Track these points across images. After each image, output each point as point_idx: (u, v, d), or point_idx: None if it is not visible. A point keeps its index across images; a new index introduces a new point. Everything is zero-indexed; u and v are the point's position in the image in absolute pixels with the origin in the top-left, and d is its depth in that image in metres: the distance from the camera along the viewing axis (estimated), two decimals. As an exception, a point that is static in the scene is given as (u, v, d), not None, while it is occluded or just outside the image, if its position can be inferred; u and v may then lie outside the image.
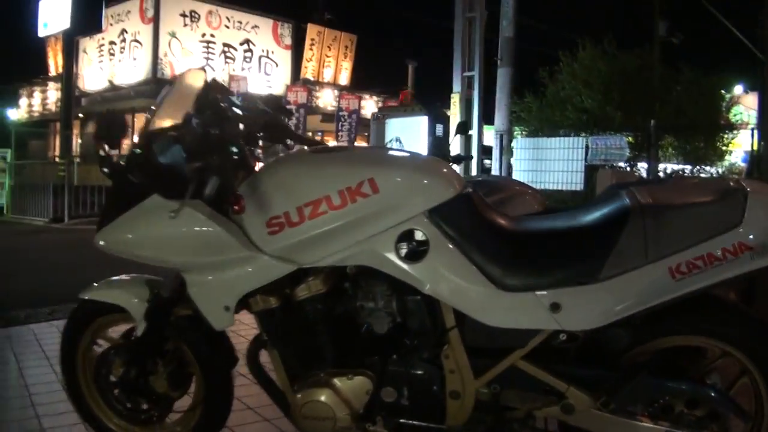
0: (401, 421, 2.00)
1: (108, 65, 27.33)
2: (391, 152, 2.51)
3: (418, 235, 1.92)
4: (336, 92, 25.79)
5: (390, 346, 2.02)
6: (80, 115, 28.96)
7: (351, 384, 1.98)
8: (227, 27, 25.76)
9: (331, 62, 27.67)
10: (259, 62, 26.66)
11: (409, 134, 12.53)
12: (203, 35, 25.31)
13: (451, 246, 1.91)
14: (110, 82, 27.15)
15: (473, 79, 12.26)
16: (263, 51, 26.73)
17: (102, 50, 27.63)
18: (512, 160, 11.79)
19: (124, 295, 2.34)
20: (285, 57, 27.24)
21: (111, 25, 26.58)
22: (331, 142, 23.26)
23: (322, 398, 1.96)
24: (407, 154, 2.29)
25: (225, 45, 25.77)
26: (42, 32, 18.68)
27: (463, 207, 1.97)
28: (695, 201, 1.81)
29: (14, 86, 32.29)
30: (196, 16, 25.06)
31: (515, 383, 1.93)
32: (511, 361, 1.90)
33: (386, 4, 39.71)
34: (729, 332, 1.86)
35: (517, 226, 2.04)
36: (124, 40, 26.25)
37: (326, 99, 26.37)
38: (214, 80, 2.26)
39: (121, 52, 26.50)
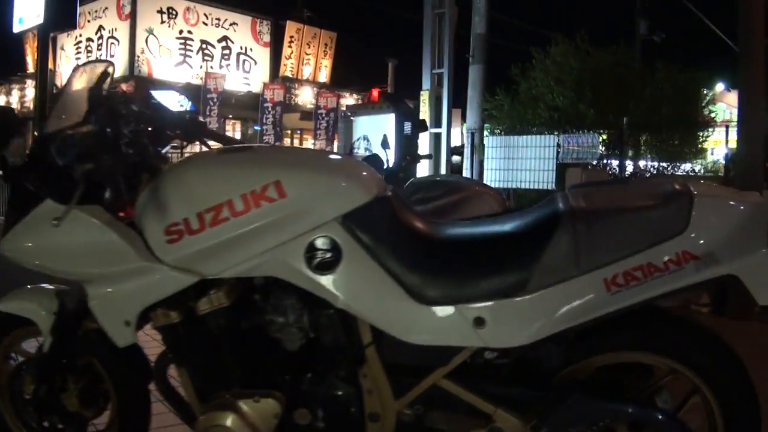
0: None
1: (85, 60, 26.96)
2: (303, 152, 2.30)
3: (331, 244, 1.78)
4: (315, 90, 25.59)
5: (302, 365, 1.88)
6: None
7: (257, 407, 1.81)
8: (205, 24, 25.59)
9: (311, 59, 27.48)
10: (237, 60, 26.48)
11: (377, 132, 12.34)
12: (180, 32, 25.14)
13: (365, 255, 1.77)
14: (87, 79, 26.85)
15: (443, 76, 12.08)
16: (241, 48, 26.56)
17: (79, 47, 27.41)
18: (484, 159, 11.62)
19: (32, 306, 2.18)
20: (264, 54, 27.06)
21: (88, 21, 26.43)
22: (309, 141, 23.09)
23: (227, 422, 1.79)
24: (321, 155, 2.22)
25: (203, 42, 25.59)
26: (17, 28, 18.46)
27: (380, 212, 1.82)
28: (635, 206, 1.66)
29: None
30: (174, 12, 24.89)
31: (439, 404, 1.79)
32: (433, 380, 1.77)
33: (367, 1, 39.29)
34: (673, 347, 1.72)
35: (441, 233, 1.90)
36: (101, 37, 26.06)
37: (305, 97, 26.19)
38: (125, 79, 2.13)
39: (99, 50, 26.28)
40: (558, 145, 10.58)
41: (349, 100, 26.04)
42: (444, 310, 1.72)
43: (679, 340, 1.73)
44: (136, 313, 1.89)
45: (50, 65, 29.45)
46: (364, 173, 1.93)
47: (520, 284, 1.67)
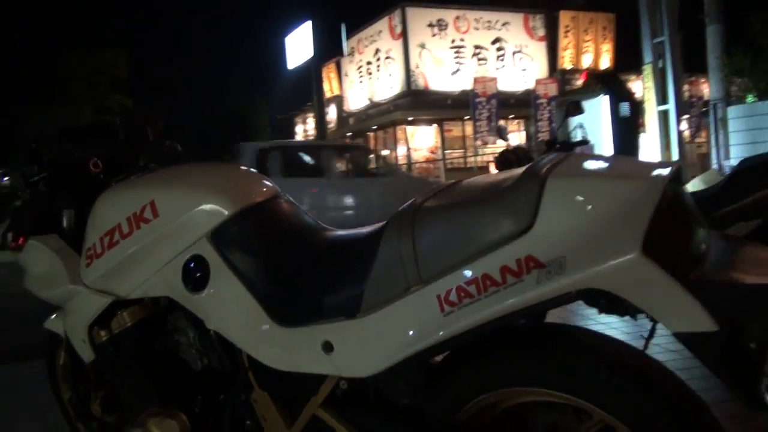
0: None
1: (367, 84, 28.62)
2: (189, 169, 2.07)
3: (201, 262, 1.73)
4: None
5: (204, 386, 1.84)
6: (349, 133, 30.67)
7: (163, 425, 1.78)
8: (476, 29, 25.66)
9: (590, 47, 26.07)
10: (512, 59, 26.09)
11: (592, 118, 10.82)
12: (452, 41, 25.45)
13: (230, 273, 1.68)
14: (369, 99, 28.25)
15: (664, 45, 10.26)
16: (516, 47, 26.18)
17: (361, 71, 29.00)
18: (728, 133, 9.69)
19: (59, 323, 2.28)
20: (539, 49, 26.41)
21: (366, 46, 27.90)
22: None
23: None
24: (207, 168, 2.04)
25: (476, 47, 25.67)
26: (291, 64, 19.99)
27: (246, 225, 1.74)
28: (476, 199, 1.28)
29: (289, 115, 35.10)
30: (444, 24, 25.29)
31: None
32: (310, 410, 1.58)
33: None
34: (572, 382, 1.25)
35: (308, 243, 1.73)
36: (378, 59, 27.33)
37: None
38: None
39: (377, 70, 27.58)
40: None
41: (637, 83, 24.25)
42: (298, 332, 1.54)
43: (578, 370, 1.25)
44: (84, 331, 1.97)
45: (338, 91, 31.85)
46: (234, 183, 1.89)
47: (358, 303, 1.40)
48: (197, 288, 1.71)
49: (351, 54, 29.50)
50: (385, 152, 27.70)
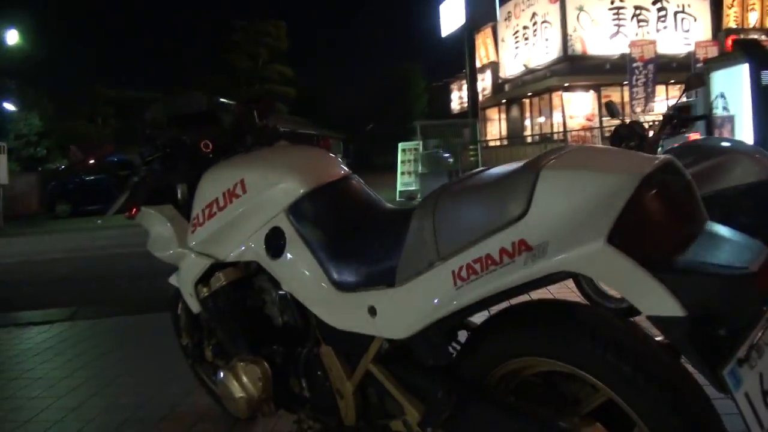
0: (303, 413, 2.05)
1: (523, 49, 28.37)
2: (277, 149, 2.35)
3: (279, 232, 1.97)
4: (764, 37, 22.85)
5: (282, 339, 2.08)
6: (503, 100, 30.65)
7: (248, 370, 2.04)
8: (636, -12, 24.68)
9: (756, 4, 24.62)
10: (674, 19, 25.05)
11: (733, 88, 10.12)
12: (612, 2, 24.78)
13: (301, 242, 1.90)
14: (525, 66, 28.11)
15: None
16: (678, 6, 25.09)
17: (517, 36, 28.80)
18: None
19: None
20: (703, 8, 25.17)
21: (522, 11, 27.69)
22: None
23: (226, 381, 2.05)
24: (290, 150, 2.29)
25: (636, 8, 24.85)
26: (444, 31, 20.22)
27: (316, 202, 1.96)
28: (486, 187, 1.42)
29: (445, 83, 35.40)
30: (604, -16, 24.50)
31: (378, 390, 1.79)
32: (364, 365, 1.78)
33: None
34: (567, 350, 1.37)
35: (364, 219, 1.92)
36: (534, 23, 27.03)
37: (755, 47, 23.53)
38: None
39: (534, 35, 27.30)
40: None
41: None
42: (350, 297, 1.73)
43: (570, 340, 1.36)
44: (191, 287, 2.26)
45: (494, 57, 31.78)
46: (311, 164, 2.09)
47: (395, 274, 1.56)
48: (276, 255, 1.96)
49: (507, 19, 29.31)
50: (540, 120, 27.57)
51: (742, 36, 23.18)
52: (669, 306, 1.13)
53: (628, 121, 3.85)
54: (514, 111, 30.13)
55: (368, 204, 2.01)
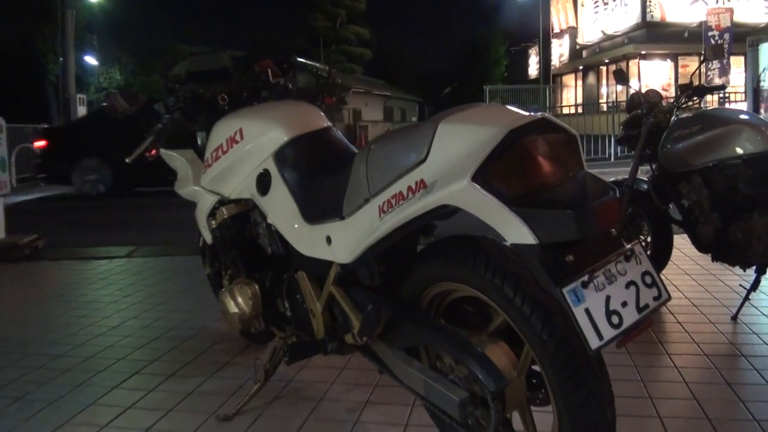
0: (289, 331, 2.35)
1: (602, 14, 27.76)
2: (272, 104, 2.66)
3: (267, 173, 2.25)
4: None
5: (271, 265, 2.37)
6: (580, 67, 30.14)
7: (242, 291, 2.36)
8: (721, -48, 23.59)
9: None
10: (761, -15, 23.95)
11: None
12: (697, -35, 23.78)
13: (282, 182, 2.18)
14: (603, 32, 27.54)
15: None
16: (764, -28, 23.93)
17: (597, 1, 28.11)
18: None
19: None
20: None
21: (602, -24, 26.91)
22: None
23: (224, 299, 2.39)
24: (281, 105, 2.59)
25: (722, -29, 23.78)
26: None
27: (297, 148, 2.23)
28: (400, 136, 1.67)
29: (523, 47, 34.97)
30: (688, -53, 23.58)
31: (340, 308, 2.04)
32: (327, 288, 2.04)
33: None
34: (469, 276, 1.61)
35: (333, 163, 2.11)
36: (615, -11, 26.29)
37: None
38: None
39: (613, 1, 26.58)
40: None
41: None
42: (314, 229, 1.99)
43: (467, 264, 1.59)
44: (204, 220, 2.59)
45: (573, 22, 31.17)
46: (296, 116, 2.36)
47: (343, 208, 1.83)
48: (264, 193, 2.24)
49: (587, -17, 28.82)
50: (618, 88, 26.81)
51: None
52: (523, 235, 1.32)
53: (639, 90, 3.97)
54: (591, 78, 29.54)
55: (339, 151, 2.28)
